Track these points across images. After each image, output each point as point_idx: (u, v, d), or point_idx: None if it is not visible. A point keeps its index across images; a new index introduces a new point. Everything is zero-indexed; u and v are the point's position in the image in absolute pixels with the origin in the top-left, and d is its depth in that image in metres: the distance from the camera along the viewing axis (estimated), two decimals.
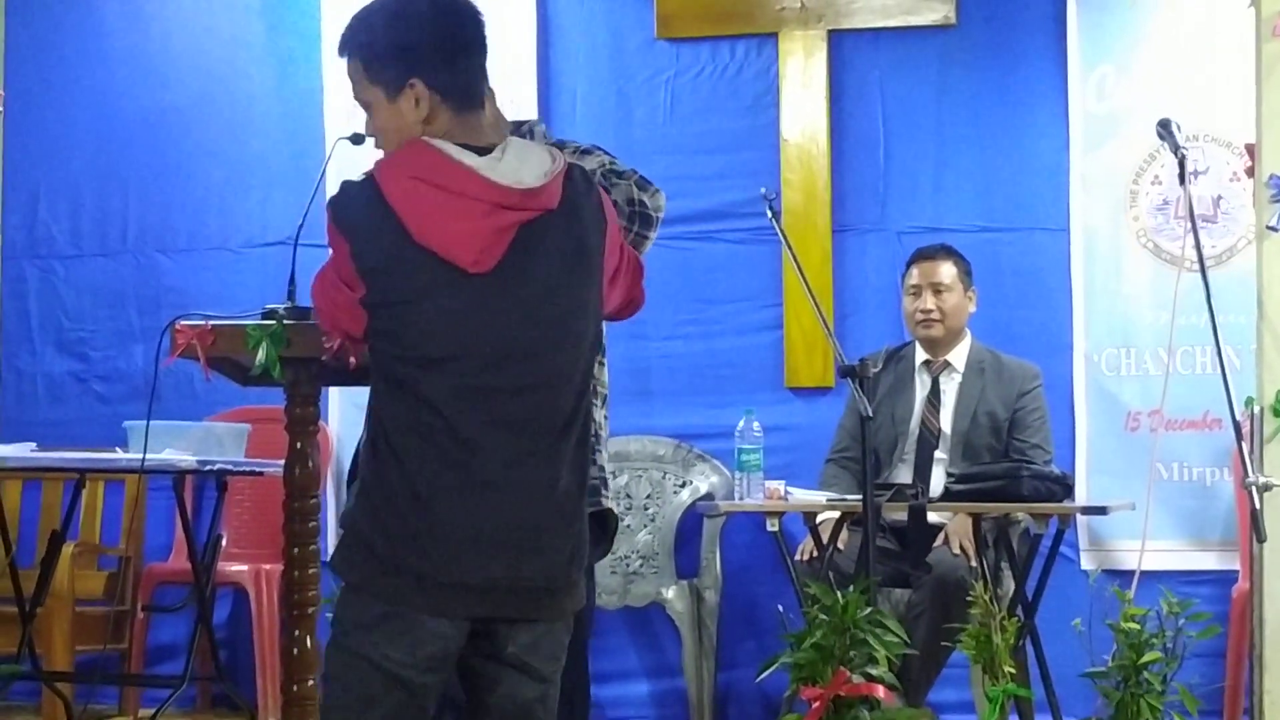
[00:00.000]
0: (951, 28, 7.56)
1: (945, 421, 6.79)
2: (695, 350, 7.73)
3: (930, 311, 6.85)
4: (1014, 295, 7.41)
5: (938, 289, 6.86)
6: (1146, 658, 5.41)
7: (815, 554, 6.55)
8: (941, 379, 6.87)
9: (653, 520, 7.59)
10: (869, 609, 5.21)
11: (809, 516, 6.60)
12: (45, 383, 8.16)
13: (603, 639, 7.65)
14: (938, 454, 6.77)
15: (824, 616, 5.21)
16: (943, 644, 6.03)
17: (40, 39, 8.01)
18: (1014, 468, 6.35)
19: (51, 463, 6.73)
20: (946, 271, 6.88)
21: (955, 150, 7.59)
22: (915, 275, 6.91)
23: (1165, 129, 5.72)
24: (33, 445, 6.61)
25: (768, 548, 7.12)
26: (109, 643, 7.40)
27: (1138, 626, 5.43)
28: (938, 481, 6.67)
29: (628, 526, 7.60)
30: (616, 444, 7.64)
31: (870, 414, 5.84)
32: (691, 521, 7.55)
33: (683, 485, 7.61)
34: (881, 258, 7.57)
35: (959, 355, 6.88)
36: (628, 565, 7.56)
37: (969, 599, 5.74)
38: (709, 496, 7.49)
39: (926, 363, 6.91)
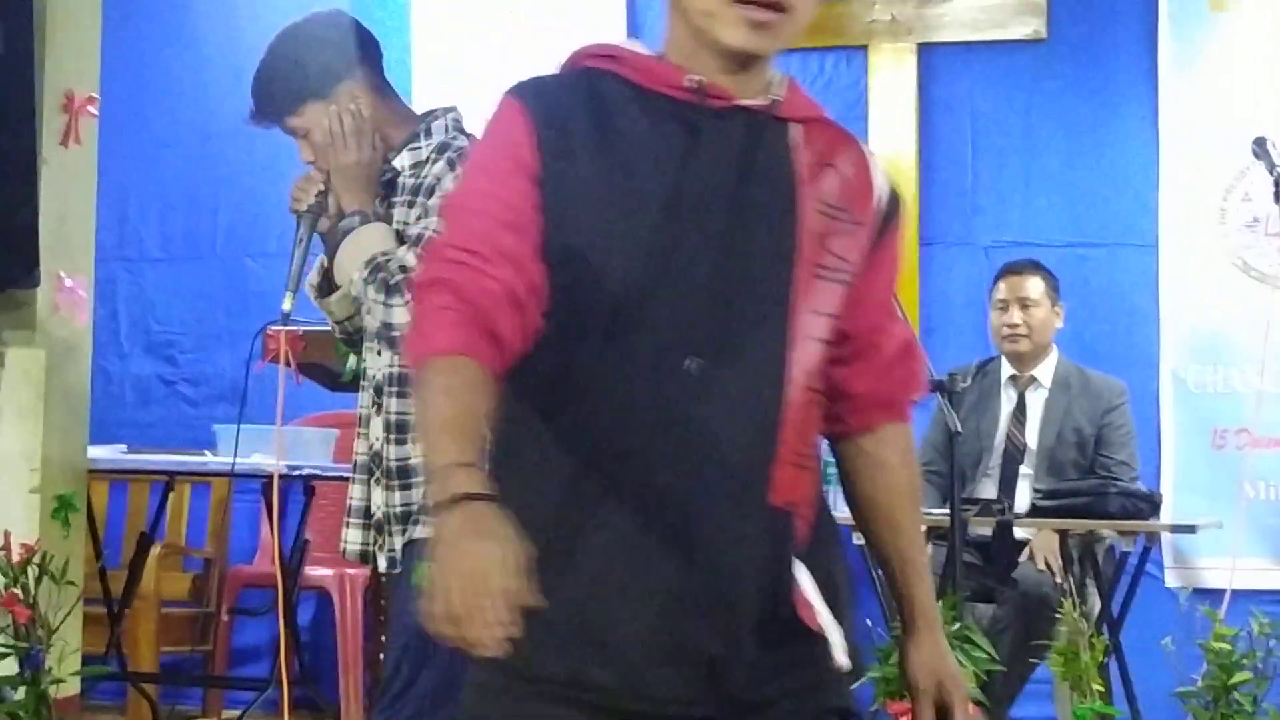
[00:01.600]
0: (1041, 42, 7.53)
1: (1030, 437, 6.76)
2: None
3: (1016, 326, 6.81)
4: (1101, 310, 7.37)
5: (1025, 304, 6.83)
6: (1236, 678, 5.37)
7: None
8: (1028, 394, 6.84)
9: None
10: (957, 624, 5.19)
11: None
12: (133, 385, 8.23)
13: None
14: (1023, 469, 6.74)
15: None
16: (1027, 660, 6.00)
17: (135, 43, 8.07)
18: (1101, 484, 6.32)
19: (143, 465, 6.80)
20: (1034, 286, 6.85)
21: (1044, 164, 7.56)
22: (1003, 290, 6.88)
23: (1261, 147, 5.70)
24: (123, 447, 6.67)
25: (854, 560, 7.11)
26: (194, 644, 7.45)
27: (1228, 647, 5.39)
28: (1023, 496, 6.64)
29: None
30: None
31: (959, 430, 5.82)
32: None
33: None
34: (968, 272, 7.54)
35: (1045, 370, 6.85)
36: None
37: (1054, 615, 5.71)
38: None
39: (1013, 378, 6.88)
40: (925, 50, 7.63)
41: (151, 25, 8.25)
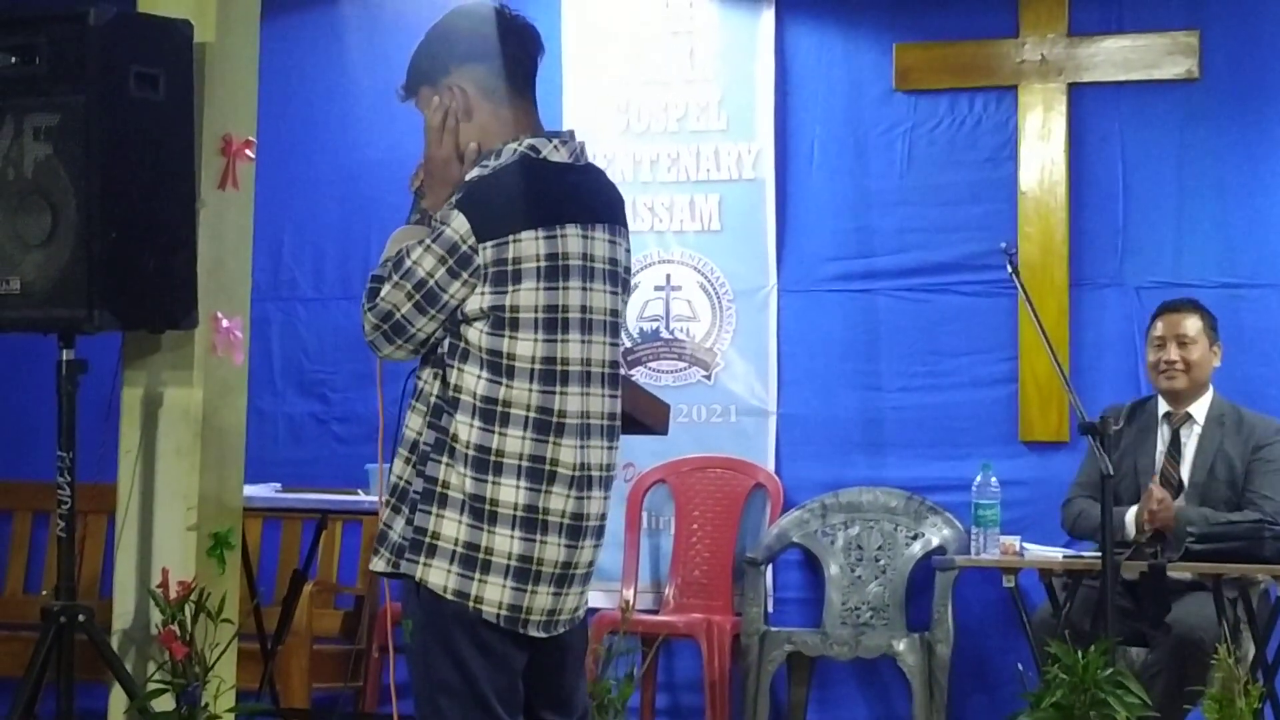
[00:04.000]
0: (1194, 82, 7.48)
1: (1185, 473, 6.70)
2: (928, 402, 7.70)
3: (1174, 363, 6.75)
4: (1255, 352, 7.30)
5: (1182, 341, 6.77)
6: None
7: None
8: (1182, 431, 6.79)
9: (884, 572, 7.57)
10: (1109, 669, 5.16)
11: (1044, 573, 6.54)
12: (287, 423, 8.32)
13: (833, 690, 7.65)
14: (1177, 504, 6.67)
15: (1064, 675, 5.17)
16: (1181, 706, 5.95)
17: (291, 86, 8.18)
18: (1256, 528, 6.25)
19: (297, 504, 6.88)
20: (1192, 324, 6.79)
21: (1196, 205, 7.51)
22: (1160, 327, 6.83)
23: None
24: (277, 485, 6.75)
25: (1000, 603, 7.09)
26: (345, 681, 7.52)
27: None
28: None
29: (859, 578, 7.58)
30: (848, 495, 7.66)
31: (1110, 472, 5.79)
32: (922, 574, 7.52)
33: (914, 537, 7.58)
34: (1119, 312, 7.50)
35: (1200, 408, 6.79)
36: (858, 616, 7.54)
37: (1208, 660, 5.66)
38: (941, 549, 7.46)
39: (1168, 415, 6.82)
40: (1076, 90, 7.60)
41: (306, 70, 8.35)
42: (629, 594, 7.63)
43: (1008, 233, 7.39)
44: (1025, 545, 6.52)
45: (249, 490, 6.20)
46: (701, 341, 7.92)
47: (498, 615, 3.69)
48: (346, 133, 8.38)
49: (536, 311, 3.71)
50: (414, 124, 8.38)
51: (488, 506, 3.68)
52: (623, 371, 3.99)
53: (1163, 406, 6.84)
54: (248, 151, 5.94)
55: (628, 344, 7.77)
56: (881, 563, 7.59)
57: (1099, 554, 5.94)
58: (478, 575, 3.67)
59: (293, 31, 8.22)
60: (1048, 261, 7.53)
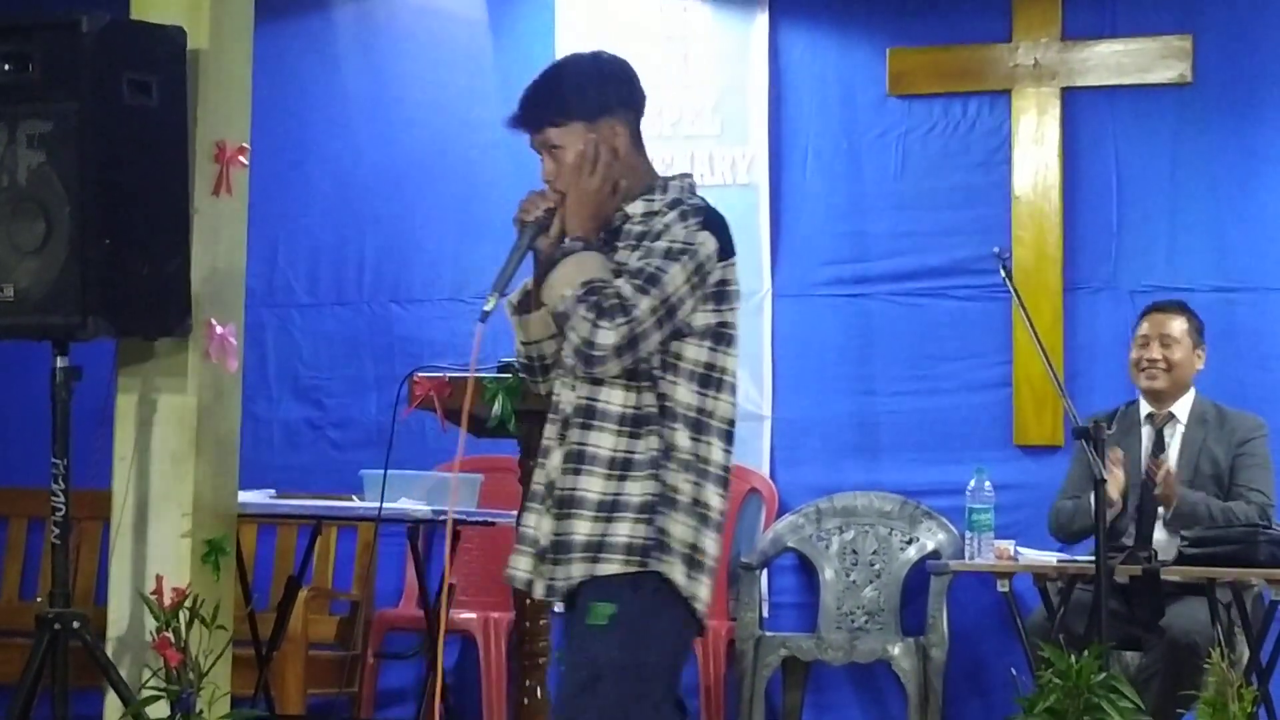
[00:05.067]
0: (1187, 86, 7.49)
1: (1159, 485, 6.69)
2: (923, 406, 7.71)
3: (1156, 361, 6.77)
4: (1249, 356, 7.31)
5: (1166, 341, 6.78)
6: None
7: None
8: (1165, 431, 6.80)
9: (879, 576, 7.57)
10: (1103, 673, 5.16)
11: (1038, 578, 6.55)
12: (282, 429, 8.32)
13: (828, 694, 7.66)
14: (1160, 509, 6.67)
15: (1057, 680, 5.17)
16: (1174, 710, 5.95)
17: (284, 93, 8.18)
18: (1250, 532, 6.26)
19: (292, 510, 6.88)
20: (1177, 325, 6.80)
21: (1189, 209, 7.52)
22: (1145, 326, 6.85)
23: None
24: (272, 492, 6.75)
25: (995, 607, 7.09)
26: (341, 686, 7.52)
27: None
28: (1161, 534, 6.58)
29: (853, 582, 7.59)
30: (843, 499, 7.66)
31: (1104, 477, 5.80)
32: (917, 578, 7.52)
33: (909, 542, 7.59)
34: (1113, 317, 7.51)
35: (1182, 407, 6.80)
36: (853, 621, 7.55)
37: (1202, 664, 5.66)
38: (935, 554, 7.46)
39: (1150, 415, 6.83)
40: (1069, 94, 7.61)
41: (299, 77, 8.36)
42: None
43: (1001, 237, 7.40)
44: (1020, 549, 6.52)
45: (244, 496, 6.21)
46: None
47: (705, 612, 4.03)
48: (340, 138, 8.38)
49: (734, 329, 4.07)
50: (407, 130, 8.42)
51: (700, 510, 4.01)
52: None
53: (1144, 408, 6.85)
54: (241, 158, 5.95)
55: None
56: (876, 567, 7.60)
57: (1093, 558, 5.95)
58: (696, 575, 3.99)
59: (287, 38, 8.23)
60: (1042, 266, 7.54)
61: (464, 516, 6.44)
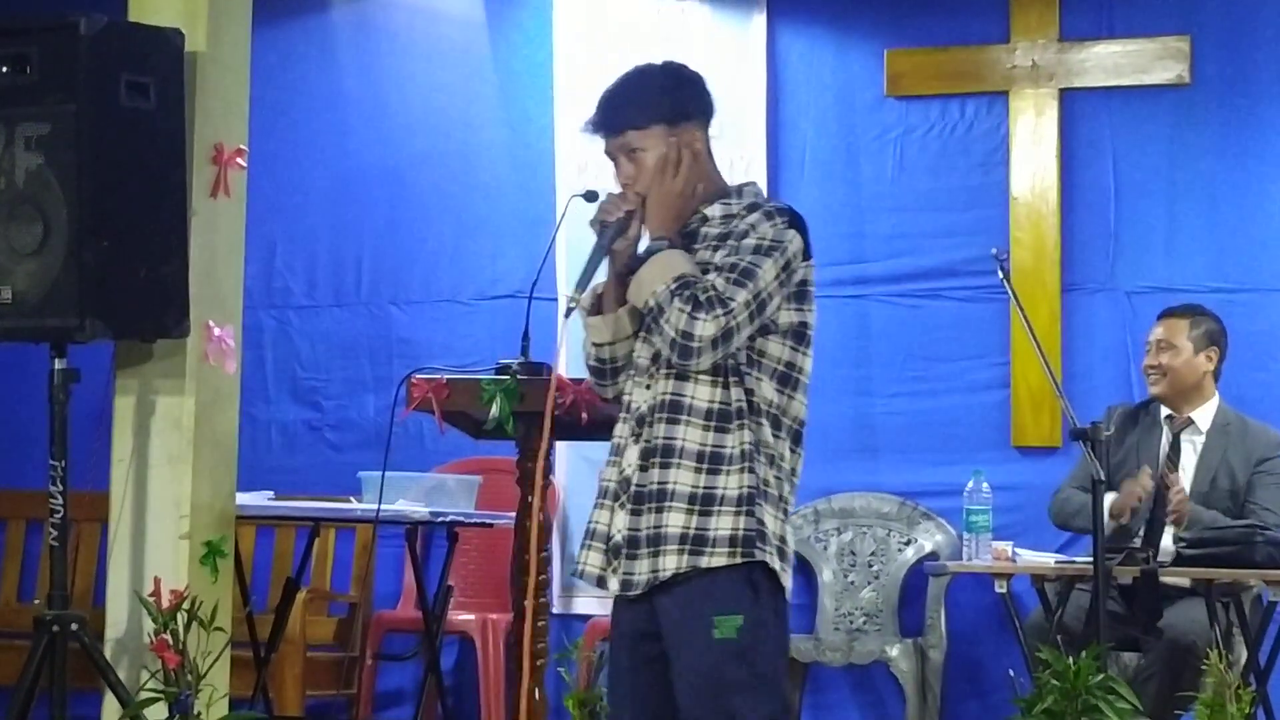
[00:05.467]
0: (1185, 87, 7.49)
1: (1186, 481, 6.69)
2: (921, 408, 7.71)
3: (1154, 367, 6.79)
4: (1247, 357, 7.29)
5: (1164, 346, 6.80)
6: None
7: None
8: (1183, 436, 6.79)
9: (876, 578, 7.57)
10: (1101, 674, 5.17)
11: (1036, 579, 6.55)
12: (280, 431, 8.32)
13: (826, 695, 7.66)
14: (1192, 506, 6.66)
15: (1055, 681, 5.18)
16: (1172, 711, 5.95)
17: (281, 95, 8.18)
18: (1248, 533, 6.27)
19: (290, 512, 6.88)
20: (1176, 329, 6.80)
21: (1187, 210, 7.52)
22: (1153, 332, 6.86)
23: None
24: (270, 493, 6.75)
25: (993, 608, 7.09)
26: (339, 688, 7.52)
27: None
28: (1170, 537, 6.58)
29: (851, 583, 7.59)
30: (841, 500, 7.66)
31: (1103, 478, 5.81)
32: (915, 580, 7.52)
33: (907, 543, 7.59)
34: (1110, 317, 7.51)
35: (1204, 415, 6.79)
36: (851, 622, 7.55)
37: (1200, 665, 5.67)
38: (934, 555, 7.46)
39: (1170, 418, 6.83)
40: (1067, 95, 7.61)
41: (297, 78, 8.36)
42: None
43: (999, 238, 7.39)
44: (1018, 550, 6.52)
45: (242, 498, 6.21)
46: None
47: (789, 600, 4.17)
48: (338, 140, 8.38)
49: (812, 330, 4.27)
50: (405, 132, 8.43)
51: (783, 504, 4.13)
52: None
53: (1163, 409, 6.86)
54: (239, 160, 5.96)
55: None
56: (874, 568, 7.60)
57: (1090, 559, 5.95)
58: (785, 566, 4.11)
59: (285, 39, 8.22)
60: (1040, 266, 7.54)
61: (462, 518, 6.45)
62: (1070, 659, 5.25)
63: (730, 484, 4.04)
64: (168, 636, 5.54)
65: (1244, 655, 6.30)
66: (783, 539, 4.09)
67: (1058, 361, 7.36)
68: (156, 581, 5.64)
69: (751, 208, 4.18)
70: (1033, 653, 5.94)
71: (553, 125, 7.98)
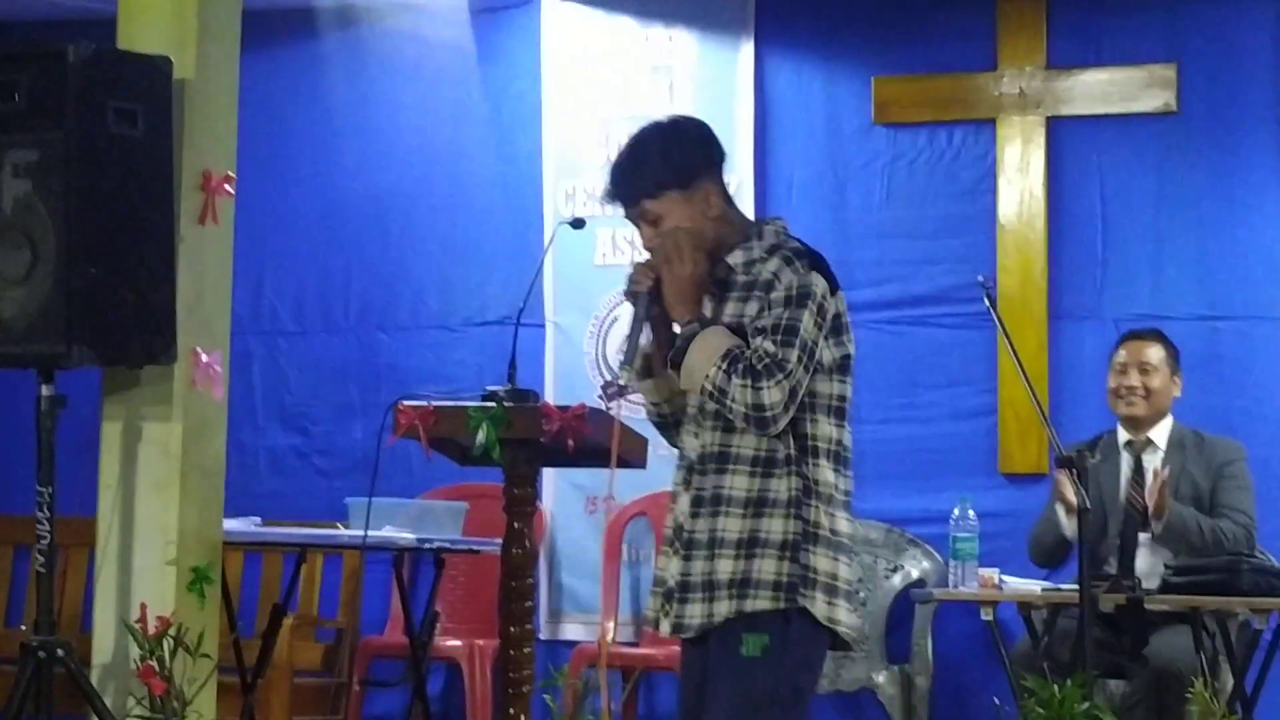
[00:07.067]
0: (1172, 115, 7.51)
1: (1150, 498, 6.70)
2: (908, 434, 7.72)
3: (1135, 388, 6.78)
4: (1233, 384, 7.33)
5: (1144, 368, 6.80)
6: None
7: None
8: (1144, 456, 6.81)
9: (863, 604, 7.57)
10: (1086, 703, 5.17)
11: (1023, 606, 6.55)
12: (267, 456, 8.32)
13: None
14: (1142, 535, 6.68)
15: (1040, 710, 5.18)
16: None
17: (271, 121, 8.19)
18: (1234, 560, 6.27)
19: (277, 538, 6.88)
20: (1154, 353, 6.82)
21: (1174, 238, 7.54)
22: (1123, 354, 6.86)
23: None
24: (257, 519, 6.75)
25: (980, 635, 7.09)
26: (326, 714, 7.52)
27: None
28: (1143, 560, 6.59)
29: None
30: None
31: (1089, 506, 5.81)
32: (902, 606, 7.53)
33: (894, 570, 7.59)
34: (1098, 345, 7.51)
35: (1160, 433, 6.81)
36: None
37: (1186, 693, 5.67)
38: (920, 582, 7.47)
39: (1129, 442, 6.84)
40: (1054, 123, 7.64)
41: (285, 105, 8.37)
42: (609, 626, 7.64)
43: (987, 265, 7.41)
44: (1004, 578, 6.52)
45: (229, 524, 6.21)
46: None
47: (849, 633, 4.17)
48: (327, 166, 8.39)
49: (853, 358, 4.25)
50: (393, 158, 8.44)
51: (835, 538, 4.14)
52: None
53: (1123, 435, 6.86)
54: (227, 187, 5.96)
55: (608, 376, 7.78)
56: (861, 595, 7.59)
57: (1076, 587, 5.95)
58: (835, 600, 4.12)
59: (273, 66, 8.24)
60: (1027, 294, 7.56)
61: (448, 544, 6.46)
62: (1056, 686, 5.25)
63: (774, 528, 4.09)
64: (154, 663, 5.53)
65: (1230, 683, 6.31)
66: (833, 575, 4.12)
67: (1044, 389, 7.37)
68: (143, 608, 5.63)
69: (772, 249, 4.19)
70: (1018, 680, 5.95)
71: (540, 152, 7.99)
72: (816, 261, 4.18)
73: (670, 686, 7.63)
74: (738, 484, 4.12)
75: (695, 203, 4.20)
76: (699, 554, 4.14)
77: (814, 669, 4.20)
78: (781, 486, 4.10)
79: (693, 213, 4.19)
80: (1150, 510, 6.50)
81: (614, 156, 4.29)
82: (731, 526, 4.11)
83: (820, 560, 4.10)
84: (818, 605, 4.09)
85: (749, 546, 4.09)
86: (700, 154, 4.25)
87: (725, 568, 4.09)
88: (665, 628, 4.20)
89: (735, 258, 4.22)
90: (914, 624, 7.44)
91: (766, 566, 4.07)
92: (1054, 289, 7.59)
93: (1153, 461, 6.77)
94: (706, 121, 4.34)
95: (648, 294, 4.22)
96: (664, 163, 4.20)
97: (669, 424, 4.36)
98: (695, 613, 4.13)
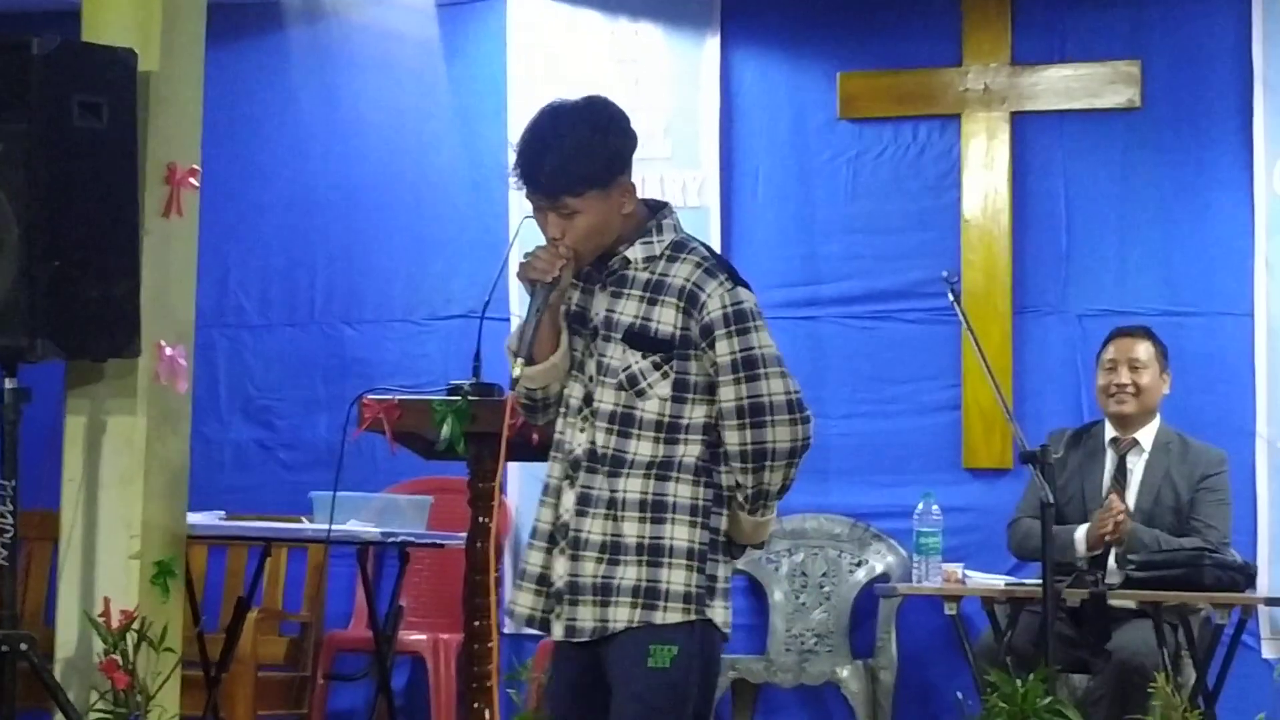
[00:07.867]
0: (1136, 111, 7.53)
1: (1130, 499, 6.73)
2: (873, 429, 7.73)
3: (1125, 386, 6.79)
4: (1197, 379, 7.34)
5: (1134, 365, 6.81)
6: None
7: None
8: (1128, 457, 6.82)
9: (828, 599, 7.59)
10: (1049, 697, 5.19)
11: (986, 601, 6.57)
12: (232, 450, 8.30)
13: (777, 717, 7.67)
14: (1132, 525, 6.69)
15: (1003, 704, 5.20)
16: None
17: (236, 115, 8.17)
18: (1196, 556, 6.30)
19: (241, 531, 6.87)
20: (1144, 350, 6.83)
21: (1138, 233, 7.56)
22: (1112, 351, 6.87)
23: None
24: (221, 513, 6.74)
25: (944, 629, 7.11)
26: (290, 708, 7.51)
27: None
28: (1113, 560, 6.61)
29: (803, 604, 7.61)
30: (792, 522, 7.67)
31: (1051, 500, 5.83)
32: (867, 601, 7.54)
33: (859, 564, 7.60)
34: (1061, 340, 7.54)
35: (1147, 435, 6.82)
36: (802, 643, 7.56)
37: (1148, 687, 5.69)
38: (885, 576, 7.48)
39: (1114, 440, 6.86)
40: (1019, 119, 7.65)
41: (251, 98, 8.35)
42: None
43: (951, 260, 7.42)
44: (968, 572, 6.55)
45: (193, 518, 6.20)
46: None
47: (728, 633, 4.14)
48: (293, 159, 8.37)
49: None
50: (359, 151, 8.42)
51: (722, 540, 4.10)
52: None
53: (1109, 432, 6.87)
54: (192, 180, 5.96)
55: None
56: (825, 589, 7.61)
57: (1040, 582, 5.97)
58: (726, 604, 4.09)
59: (239, 58, 8.21)
60: (991, 289, 7.57)
61: (413, 538, 6.45)
62: (1019, 681, 5.27)
63: (679, 535, 3.99)
64: (117, 657, 5.53)
65: (1193, 677, 6.33)
66: (726, 579, 4.09)
67: (1009, 383, 7.39)
68: (106, 602, 5.63)
69: (677, 247, 4.08)
70: (982, 675, 5.97)
71: (506, 146, 7.97)
72: (730, 270, 4.08)
73: None
74: (632, 487, 3.99)
75: (612, 200, 4.02)
76: (588, 555, 4.00)
77: (716, 675, 4.17)
78: (686, 493, 4.00)
79: (608, 210, 4.02)
80: (1109, 538, 6.51)
81: (530, 135, 4.13)
82: (629, 531, 3.99)
83: (721, 568, 4.06)
84: (718, 613, 4.04)
85: (652, 554, 3.98)
86: (618, 148, 4.07)
87: (628, 574, 3.98)
88: (558, 630, 4.05)
89: (635, 252, 4.06)
90: (878, 618, 7.45)
91: (675, 577, 3.98)
92: (1018, 284, 7.60)
93: (1137, 464, 6.79)
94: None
95: (552, 283, 4.02)
96: (590, 160, 4.02)
97: (538, 406, 4.20)
98: (586, 616, 4.00)
